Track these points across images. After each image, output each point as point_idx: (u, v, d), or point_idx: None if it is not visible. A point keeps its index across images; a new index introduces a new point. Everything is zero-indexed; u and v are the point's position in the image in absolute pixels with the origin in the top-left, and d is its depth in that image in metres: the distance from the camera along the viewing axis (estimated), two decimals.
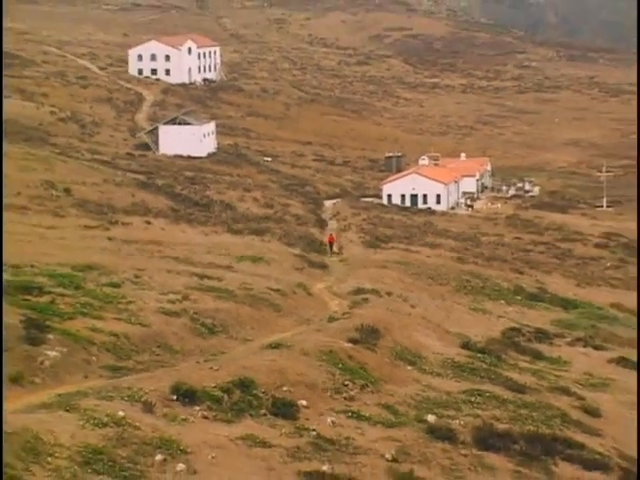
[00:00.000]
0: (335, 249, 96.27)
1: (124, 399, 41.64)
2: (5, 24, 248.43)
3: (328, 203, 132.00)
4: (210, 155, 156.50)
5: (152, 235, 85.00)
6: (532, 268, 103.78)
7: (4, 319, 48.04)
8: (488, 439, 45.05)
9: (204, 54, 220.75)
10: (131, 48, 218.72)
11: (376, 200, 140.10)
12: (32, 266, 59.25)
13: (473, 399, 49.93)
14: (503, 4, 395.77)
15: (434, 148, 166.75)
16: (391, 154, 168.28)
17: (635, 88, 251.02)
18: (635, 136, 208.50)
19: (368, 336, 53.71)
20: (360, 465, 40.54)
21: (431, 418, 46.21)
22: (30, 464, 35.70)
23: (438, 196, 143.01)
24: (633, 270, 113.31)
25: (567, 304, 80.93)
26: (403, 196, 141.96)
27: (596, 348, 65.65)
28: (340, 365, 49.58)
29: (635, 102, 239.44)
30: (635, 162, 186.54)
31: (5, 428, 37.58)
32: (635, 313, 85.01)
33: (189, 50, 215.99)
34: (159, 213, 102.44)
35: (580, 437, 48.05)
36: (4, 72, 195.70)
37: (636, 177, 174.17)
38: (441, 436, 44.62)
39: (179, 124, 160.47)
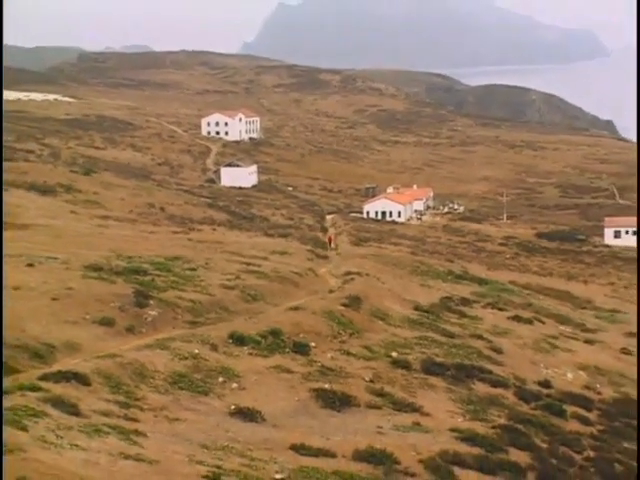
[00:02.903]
0: (333, 246, 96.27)
1: (198, 342, 41.75)
2: (120, 102, 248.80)
3: (329, 217, 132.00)
4: (253, 186, 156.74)
5: (216, 237, 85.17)
6: (459, 258, 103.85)
7: (120, 290, 48.12)
8: (430, 367, 45.17)
9: (250, 122, 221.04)
10: (203, 118, 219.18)
11: (359, 215, 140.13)
12: (140, 257, 59.41)
13: (421, 342, 50.05)
14: (440, 90, 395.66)
15: (396, 182, 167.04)
16: (368, 185, 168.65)
17: (524, 144, 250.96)
18: (525, 175, 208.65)
19: (354, 302, 53.85)
20: (349, 384, 40.62)
21: (394, 354, 46.30)
22: (138, 383, 35.73)
23: (399, 212, 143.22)
24: (524, 260, 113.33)
25: (481, 281, 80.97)
26: (377, 212, 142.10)
27: (499, 309, 65.78)
28: (336, 320, 49.69)
29: (525, 153, 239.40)
30: (524, 191, 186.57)
31: (120, 360, 37.57)
32: (526, 288, 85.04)
33: (240, 119, 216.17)
34: (220, 223, 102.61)
35: (489, 366, 48.13)
36: (123, 134, 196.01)
37: (525, 201, 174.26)
38: (401, 366, 44.72)
39: (234, 166, 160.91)
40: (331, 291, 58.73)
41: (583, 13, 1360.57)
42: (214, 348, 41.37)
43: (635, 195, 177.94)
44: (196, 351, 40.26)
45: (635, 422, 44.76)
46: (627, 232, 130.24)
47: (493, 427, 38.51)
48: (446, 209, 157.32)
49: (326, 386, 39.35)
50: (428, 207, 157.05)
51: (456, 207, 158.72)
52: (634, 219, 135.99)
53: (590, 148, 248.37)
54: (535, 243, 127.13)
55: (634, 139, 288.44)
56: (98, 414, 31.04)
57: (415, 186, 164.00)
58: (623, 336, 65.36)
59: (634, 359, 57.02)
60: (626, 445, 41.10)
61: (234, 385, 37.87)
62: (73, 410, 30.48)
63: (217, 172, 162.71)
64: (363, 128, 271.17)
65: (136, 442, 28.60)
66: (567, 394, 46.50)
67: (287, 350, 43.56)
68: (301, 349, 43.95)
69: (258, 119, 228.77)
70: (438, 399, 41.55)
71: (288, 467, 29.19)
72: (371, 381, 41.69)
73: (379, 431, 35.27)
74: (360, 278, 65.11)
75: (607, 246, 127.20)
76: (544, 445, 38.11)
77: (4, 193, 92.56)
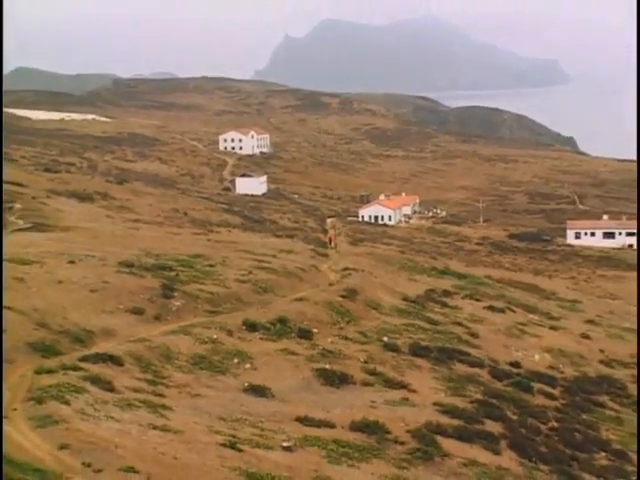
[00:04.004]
0: (333, 245, 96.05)
1: (216, 328, 41.78)
2: (149, 122, 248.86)
3: (329, 220, 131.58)
4: (264, 194, 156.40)
5: (231, 238, 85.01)
6: (441, 256, 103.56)
7: (149, 283, 48.06)
8: (417, 350, 45.17)
9: (261, 138, 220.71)
10: (220, 135, 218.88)
11: (355, 219, 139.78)
12: (166, 255, 59.31)
13: (409, 328, 50.00)
14: (425, 111, 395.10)
15: (387, 190, 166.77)
16: (363, 193, 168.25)
17: (498, 158, 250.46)
18: (498, 184, 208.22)
19: (351, 294, 53.82)
20: (346, 365, 40.63)
21: (386, 339, 46.29)
22: (165, 363, 35.76)
23: (390, 216, 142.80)
24: (497, 257, 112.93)
25: (460, 276, 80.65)
26: (370, 216, 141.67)
27: (476, 300, 65.49)
28: (335, 310, 49.67)
29: (498, 165, 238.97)
30: (497, 198, 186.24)
31: (149, 344, 37.56)
32: (499, 281, 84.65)
33: (252, 136, 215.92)
34: (235, 226, 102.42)
35: (467, 349, 48.13)
36: (151, 149, 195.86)
37: (498, 206, 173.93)
38: (391, 349, 44.74)
39: (247, 177, 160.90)
40: (331, 284, 58.64)
41: (548, 45, 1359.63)
42: (230, 333, 41.40)
43: (593, 202, 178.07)
44: (214, 336, 40.27)
45: (593, 397, 44.77)
46: (586, 233, 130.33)
47: (471, 402, 38.52)
48: (430, 214, 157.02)
49: (327, 366, 39.36)
50: (415, 212, 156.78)
51: (439, 212, 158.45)
52: (592, 222, 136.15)
53: (554, 161, 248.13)
54: (507, 243, 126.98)
55: (592, 153, 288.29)
56: (130, 390, 31.07)
57: (403, 194, 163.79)
58: (583, 323, 65.36)
59: (592, 343, 57.04)
60: (585, 417, 41.14)
61: (247, 365, 37.88)
62: (108, 387, 30.52)
63: (232, 182, 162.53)
64: (358, 144, 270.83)
65: (163, 415, 28.62)
66: (534, 373, 46.53)
67: (293, 335, 43.59)
68: (305, 334, 43.99)
69: (268, 136, 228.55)
70: (423, 378, 41.55)
71: (294, 436, 29.21)
72: (365, 362, 41.69)
73: (372, 405, 35.28)
74: (356, 273, 65.03)
75: (569, 245, 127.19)
76: (514, 417, 38.13)
77: (49, 200, 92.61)
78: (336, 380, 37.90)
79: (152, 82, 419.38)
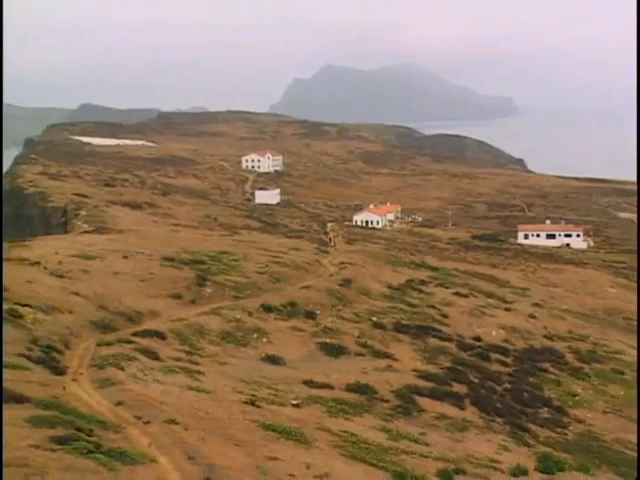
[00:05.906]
0: (332, 244, 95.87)
1: (240, 310, 41.80)
2: (186, 147, 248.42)
3: (329, 224, 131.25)
4: (277, 203, 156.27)
5: (252, 238, 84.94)
6: (418, 253, 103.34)
7: (186, 274, 48.09)
8: (399, 328, 45.18)
9: (275, 159, 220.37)
10: (242, 156, 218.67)
11: (350, 223, 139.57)
12: (199, 252, 59.28)
13: (392, 310, 49.94)
14: (405, 137, 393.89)
15: (375, 200, 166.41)
16: (356, 203, 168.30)
17: (463, 175, 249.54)
18: (464, 195, 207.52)
19: (346, 283, 53.80)
20: (343, 339, 40.66)
21: (374, 318, 46.28)
22: (199, 338, 35.75)
23: (377, 221, 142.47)
24: (463, 254, 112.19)
25: (434, 269, 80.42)
26: (362, 221, 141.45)
27: (446, 288, 65.04)
28: (334, 295, 49.69)
29: (464, 181, 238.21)
30: (463, 207, 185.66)
31: (187, 322, 37.66)
32: (465, 273, 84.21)
33: (268, 157, 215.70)
34: (255, 228, 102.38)
35: (439, 327, 48.11)
36: (188, 168, 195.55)
37: (464, 213, 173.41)
38: (378, 327, 44.72)
39: (264, 190, 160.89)
40: (331, 275, 58.60)
41: (504, 85, 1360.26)
42: (250, 314, 41.44)
43: (538, 209, 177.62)
44: (238, 316, 40.32)
45: (538, 364, 44.75)
46: (533, 235, 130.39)
47: (441, 368, 38.55)
48: (410, 219, 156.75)
49: (327, 340, 39.41)
50: (397, 218, 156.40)
51: (416, 218, 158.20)
52: (538, 226, 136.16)
53: (508, 177, 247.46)
54: (470, 242, 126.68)
55: (537, 171, 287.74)
56: (171, 359, 31.14)
57: (388, 203, 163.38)
58: (530, 306, 65.19)
59: (538, 321, 56.91)
60: (531, 380, 41.11)
61: (264, 340, 37.94)
62: (155, 356, 30.59)
63: (252, 194, 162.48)
64: (353, 164, 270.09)
65: (197, 379, 28.68)
66: (492, 345, 46.49)
67: (300, 316, 43.61)
68: (310, 315, 44.02)
69: (281, 157, 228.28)
70: (404, 349, 41.59)
71: (301, 396, 29.26)
72: (358, 337, 41.73)
73: (363, 371, 35.32)
74: (350, 266, 64.98)
75: (519, 244, 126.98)
76: (476, 380, 38.15)
77: (108, 209, 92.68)
78: (335, 351, 37.97)
79: (188, 115, 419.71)
